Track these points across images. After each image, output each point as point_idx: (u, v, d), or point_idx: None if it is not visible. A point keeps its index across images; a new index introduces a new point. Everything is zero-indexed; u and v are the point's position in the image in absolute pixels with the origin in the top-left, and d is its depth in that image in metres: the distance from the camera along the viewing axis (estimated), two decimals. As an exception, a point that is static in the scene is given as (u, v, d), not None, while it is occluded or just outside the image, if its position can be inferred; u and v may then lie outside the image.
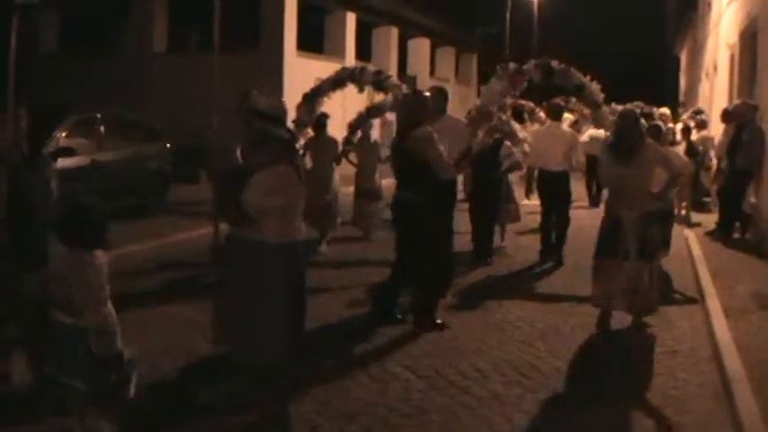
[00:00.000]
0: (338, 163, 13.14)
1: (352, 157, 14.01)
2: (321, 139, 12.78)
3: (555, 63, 11.49)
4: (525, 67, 11.30)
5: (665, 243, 9.44)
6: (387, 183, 14.43)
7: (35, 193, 6.13)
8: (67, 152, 12.97)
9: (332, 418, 5.93)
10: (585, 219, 15.37)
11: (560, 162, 11.96)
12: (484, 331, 8.25)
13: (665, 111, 18.08)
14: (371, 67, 13.78)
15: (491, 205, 11.94)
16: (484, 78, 39.82)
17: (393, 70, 29.48)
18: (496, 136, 11.67)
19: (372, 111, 14.33)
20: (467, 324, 8.47)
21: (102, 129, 14.19)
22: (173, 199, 16.01)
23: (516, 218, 13.03)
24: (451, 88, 36.48)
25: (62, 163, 12.71)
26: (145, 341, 6.66)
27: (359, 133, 14.04)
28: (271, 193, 4.93)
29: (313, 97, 12.89)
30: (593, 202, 18.75)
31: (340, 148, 13.38)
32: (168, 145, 16.23)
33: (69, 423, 5.02)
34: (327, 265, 11.26)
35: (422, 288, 8.48)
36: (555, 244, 12.07)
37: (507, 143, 11.90)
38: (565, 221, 12.11)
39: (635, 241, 7.99)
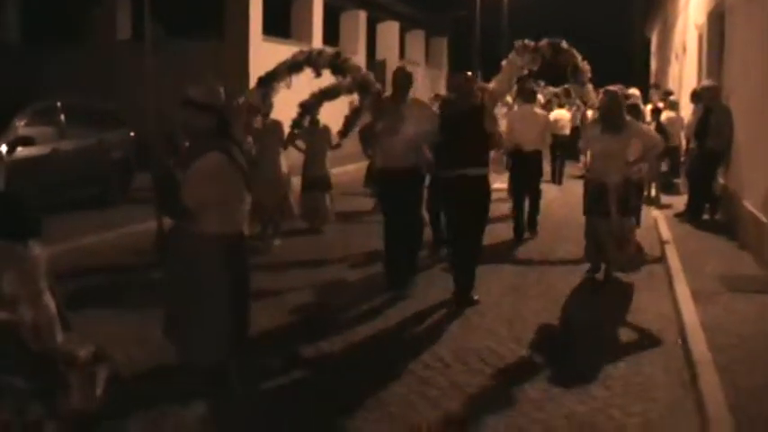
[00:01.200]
0: (285, 147, 12.08)
1: (300, 143, 13.20)
2: (264, 124, 11.75)
3: (564, 43, 12.03)
4: (540, 44, 11.75)
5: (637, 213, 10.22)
6: (338, 171, 13.92)
7: None
8: (26, 141, 12.78)
9: (287, 411, 5.78)
10: (552, 199, 15.22)
11: (535, 142, 12.86)
12: (448, 319, 8.11)
13: (635, 92, 18.04)
14: (329, 49, 13.06)
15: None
16: (454, 61, 39.85)
17: (362, 54, 29.29)
18: None
19: (328, 93, 13.37)
20: (431, 313, 8.32)
21: (62, 117, 13.91)
22: (137, 187, 15.71)
23: None
24: (422, 72, 36.54)
25: (22, 152, 12.61)
26: (98, 333, 6.47)
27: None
28: (205, 184, 4.72)
29: (267, 82, 11.99)
30: (557, 179, 20.11)
31: (286, 131, 12.44)
32: (132, 133, 15.93)
33: (8, 422, 4.84)
34: (282, 261, 10.76)
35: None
36: (530, 215, 12.77)
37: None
38: (537, 194, 13.03)
39: (617, 202, 9.20)
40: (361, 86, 12.41)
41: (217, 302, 4.79)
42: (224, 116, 5.00)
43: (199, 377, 5.09)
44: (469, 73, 9.21)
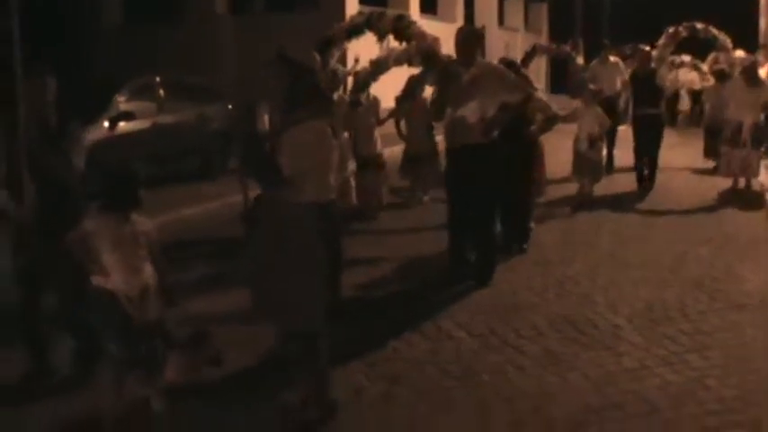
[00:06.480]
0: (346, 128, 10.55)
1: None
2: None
3: (699, 25, 17.67)
4: (680, 28, 17.55)
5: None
6: (392, 151, 12.45)
7: (54, 167, 5.85)
8: (128, 116, 13.14)
9: (378, 379, 5.80)
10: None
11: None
12: (543, 286, 8.00)
13: (742, 53, 18.02)
14: (391, 12, 11.85)
15: (525, 175, 9.39)
16: (554, 28, 39.13)
17: (460, 21, 29.02)
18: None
19: (380, 65, 11.91)
20: (526, 279, 8.23)
21: (161, 92, 14.19)
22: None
23: (541, 192, 10.57)
24: (521, 38, 36.08)
25: (123, 127, 12.94)
26: (190, 306, 6.59)
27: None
28: (306, 152, 4.72)
29: (325, 48, 10.89)
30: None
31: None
32: (230, 106, 16.10)
33: (106, 390, 4.97)
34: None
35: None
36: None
37: (539, 95, 9.64)
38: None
39: (750, 136, 12.73)
40: (426, 57, 11.06)
41: (316, 269, 4.80)
42: (320, 83, 4.96)
43: (294, 346, 5.11)
44: (647, 48, 14.39)
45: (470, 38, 8.06)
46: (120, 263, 4.78)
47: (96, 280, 4.77)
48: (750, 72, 13.16)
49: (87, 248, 4.75)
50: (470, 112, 7.78)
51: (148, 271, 4.94)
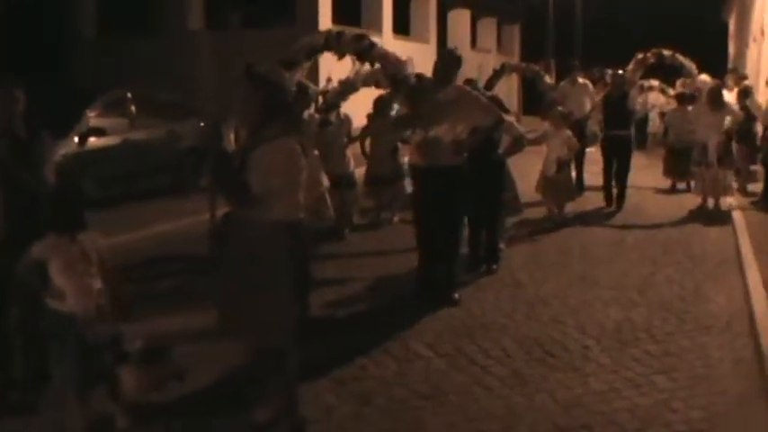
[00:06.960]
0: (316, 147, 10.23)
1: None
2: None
3: (666, 52, 18.90)
4: (648, 54, 18.78)
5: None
6: (361, 171, 12.25)
7: (24, 175, 5.78)
8: (98, 132, 13.04)
9: (348, 399, 5.78)
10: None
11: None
12: (513, 307, 8.01)
13: (706, 78, 18.38)
14: (350, 32, 11.34)
15: (493, 196, 9.48)
16: (526, 49, 39.34)
17: (433, 42, 29.20)
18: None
19: (349, 85, 12.04)
20: (495, 300, 8.25)
21: (133, 108, 14.08)
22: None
23: (517, 210, 10.69)
24: (493, 59, 36.26)
25: (94, 143, 12.86)
26: (158, 323, 6.57)
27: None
28: (276, 170, 4.71)
29: (289, 68, 10.57)
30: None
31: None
32: (202, 123, 16.04)
33: (68, 411, 4.93)
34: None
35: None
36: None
37: (509, 117, 9.48)
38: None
39: (715, 156, 13.22)
40: (393, 80, 10.72)
41: (284, 287, 4.80)
42: (288, 99, 4.95)
43: (263, 362, 5.09)
44: (621, 71, 15.05)
45: (452, 62, 8.10)
46: (72, 283, 4.77)
47: (51, 303, 4.75)
48: (714, 95, 13.69)
49: (38, 274, 4.74)
50: (443, 132, 7.82)
51: (100, 288, 4.92)
